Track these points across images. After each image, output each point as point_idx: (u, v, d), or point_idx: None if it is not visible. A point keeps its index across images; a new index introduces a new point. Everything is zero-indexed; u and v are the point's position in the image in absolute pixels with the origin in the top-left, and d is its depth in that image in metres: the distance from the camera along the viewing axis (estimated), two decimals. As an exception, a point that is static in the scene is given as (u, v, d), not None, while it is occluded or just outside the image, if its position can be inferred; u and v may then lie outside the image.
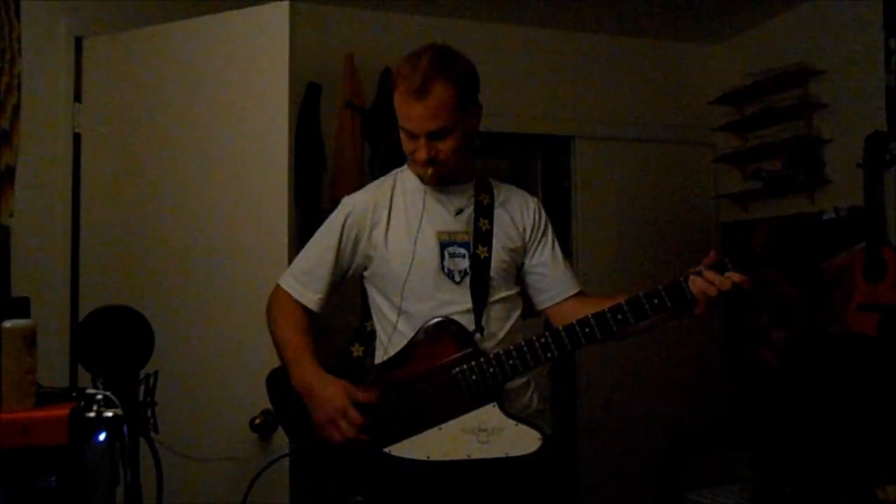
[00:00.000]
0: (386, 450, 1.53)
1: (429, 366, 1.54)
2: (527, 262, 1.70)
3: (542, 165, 4.14)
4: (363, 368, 1.66)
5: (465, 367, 1.52)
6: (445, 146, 1.55)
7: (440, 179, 1.62)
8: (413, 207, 1.65)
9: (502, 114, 3.65)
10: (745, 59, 3.87)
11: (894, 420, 2.51)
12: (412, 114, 1.53)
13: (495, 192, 1.72)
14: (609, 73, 3.98)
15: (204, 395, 2.16)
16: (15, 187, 1.93)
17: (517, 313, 1.68)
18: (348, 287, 1.79)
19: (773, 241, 1.43)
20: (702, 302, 1.42)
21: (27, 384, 1.24)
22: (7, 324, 1.24)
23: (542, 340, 1.50)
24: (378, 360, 1.65)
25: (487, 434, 1.50)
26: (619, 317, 1.46)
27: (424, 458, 1.52)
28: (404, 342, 1.59)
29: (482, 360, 1.52)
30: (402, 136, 1.59)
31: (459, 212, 1.65)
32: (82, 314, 2.07)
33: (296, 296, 1.69)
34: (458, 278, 1.60)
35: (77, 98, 2.30)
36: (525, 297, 1.73)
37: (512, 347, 1.51)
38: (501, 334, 1.61)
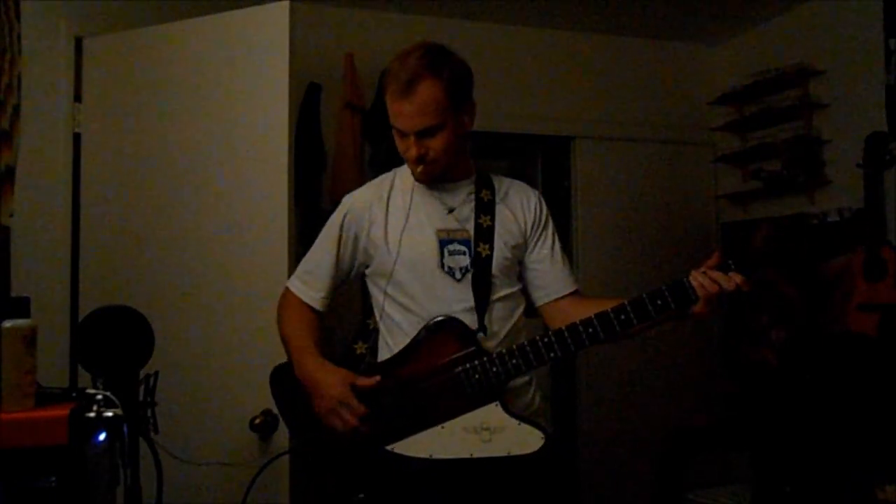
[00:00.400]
0: (388, 448, 1.53)
1: (431, 364, 1.54)
2: (525, 257, 1.69)
3: (542, 165, 4.14)
4: (366, 366, 1.66)
5: (467, 365, 1.52)
6: (435, 144, 1.55)
7: (432, 177, 1.62)
8: (409, 205, 1.65)
9: (502, 114, 3.65)
10: (745, 59, 3.87)
11: (894, 420, 2.51)
12: (400, 112, 1.54)
13: (496, 186, 1.71)
14: (609, 73, 3.98)
15: (204, 395, 2.16)
16: (15, 187, 1.93)
17: (520, 311, 1.67)
18: (348, 285, 1.80)
19: (775, 242, 1.43)
20: (704, 300, 1.42)
21: (27, 384, 1.25)
22: (7, 324, 1.24)
23: (546, 340, 1.50)
24: (381, 358, 1.65)
25: (490, 433, 1.50)
26: (623, 317, 1.46)
27: (427, 456, 1.52)
28: (407, 340, 1.59)
29: (485, 358, 1.51)
30: (394, 134, 1.59)
31: (452, 210, 1.65)
32: (82, 314, 2.06)
33: (300, 296, 1.71)
34: (458, 276, 1.60)
35: (77, 98, 2.31)
36: (525, 294, 1.73)
37: (515, 347, 1.51)
38: (504, 332, 1.61)
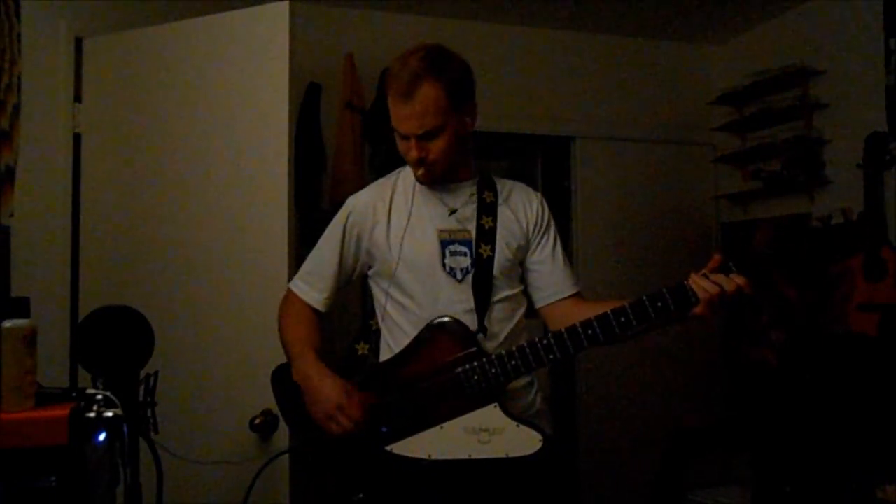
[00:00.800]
0: (387, 448, 1.54)
1: (431, 365, 1.54)
2: (527, 258, 1.69)
3: (542, 165, 4.14)
4: (367, 366, 1.66)
5: (467, 366, 1.52)
6: (436, 146, 1.55)
7: (433, 179, 1.62)
8: (411, 206, 1.65)
9: (502, 114, 3.65)
10: (745, 59, 3.87)
11: (894, 420, 2.51)
12: (402, 114, 1.53)
13: (499, 188, 1.71)
14: (609, 73, 3.98)
15: (204, 395, 2.16)
16: (15, 187, 1.93)
17: (520, 312, 1.67)
18: (350, 287, 1.80)
19: (778, 243, 1.43)
20: (705, 303, 1.41)
21: (27, 384, 1.24)
22: (7, 324, 1.24)
23: (545, 342, 1.50)
24: (382, 359, 1.65)
25: (488, 434, 1.50)
26: (622, 319, 1.46)
27: (425, 457, 1.52)
28: (408, 341, 1.59)
29: (484, 360, 1.51)
30: (396, 136, 1.59)
31: (454, 211, 1.65)
32: (82, 314, 2.06)
33: (302, 296, 1.71)
34: (459, 276, 1.60)
35: (77, 98, 2.30)
36: (527, 296, 1.73)
37: (514, 348, 1.51)
38: (504, 334, 1.61)
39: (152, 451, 1.51)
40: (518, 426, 1.50)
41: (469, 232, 1.63)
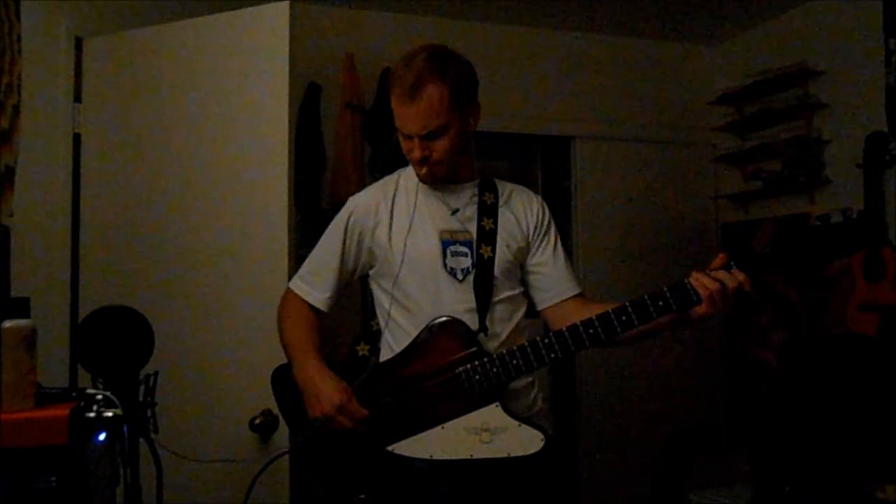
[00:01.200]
0: (389, 448, 1.54)
1: (432, 365, 1.54)
2: (528, 260, 1.70)
3: (542, 165, 4.14)
4: (368, 366, 1.66)
5: (468, 366, 1.52)
6: (440, 146, 1.56)
7: (436, 179, 1.62)
8: (413, 206, 1.66)
9: (502, 114, 3.65)
10: (745, 60, 3.87)
11: (894, 420, 2.51)
12: (405, 115, 1.54)
13: (500, 190, 1.71)
14: (609, 73, 3.98)
15: (204, 395, 2.16)
16: (15, 187, 1.93)
17: (521, 313, 1.67)
18: (350, 287, 1.79)
19: (780, 243, 1.42)
20: (707, 300, 1.41)
21: (27, 384, 1.24)
22: (7, 324, 1.24)
23: (546, 341, 1.50)
24: (383, 359, 1.65)
25: (490, 434, 1.50)
26: (624, 318, 1.46)
27: (427, 457, 1.52)
28: (409, 340, 1.59)
29: (486, 359, 1.51)
30: (399, 136, 1.60)
31: (455, 211, 1.65)
32: (82, 314, 2.06)
33: (304, 296, 1.71)
34: (460, 276, 1.60)
35: (77, 98, 2.30)
36: (528, 298, 1.73)
37: (515, 347, 1.51)
38: (505, 334, 1.61)
39: (152, 451, 1.52)
40: (520, 425, 1.50)
41: (470, 232, 1.63)
